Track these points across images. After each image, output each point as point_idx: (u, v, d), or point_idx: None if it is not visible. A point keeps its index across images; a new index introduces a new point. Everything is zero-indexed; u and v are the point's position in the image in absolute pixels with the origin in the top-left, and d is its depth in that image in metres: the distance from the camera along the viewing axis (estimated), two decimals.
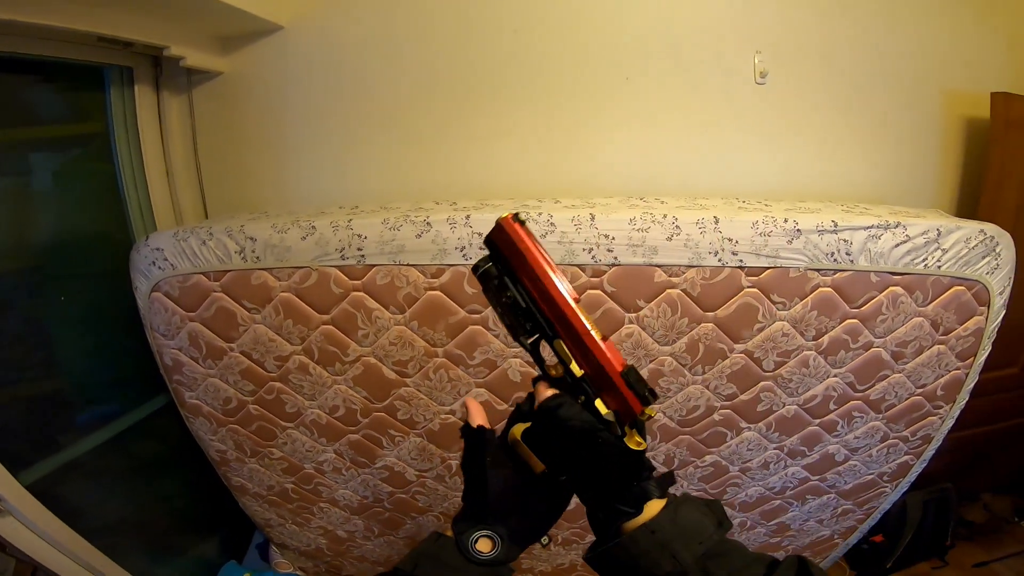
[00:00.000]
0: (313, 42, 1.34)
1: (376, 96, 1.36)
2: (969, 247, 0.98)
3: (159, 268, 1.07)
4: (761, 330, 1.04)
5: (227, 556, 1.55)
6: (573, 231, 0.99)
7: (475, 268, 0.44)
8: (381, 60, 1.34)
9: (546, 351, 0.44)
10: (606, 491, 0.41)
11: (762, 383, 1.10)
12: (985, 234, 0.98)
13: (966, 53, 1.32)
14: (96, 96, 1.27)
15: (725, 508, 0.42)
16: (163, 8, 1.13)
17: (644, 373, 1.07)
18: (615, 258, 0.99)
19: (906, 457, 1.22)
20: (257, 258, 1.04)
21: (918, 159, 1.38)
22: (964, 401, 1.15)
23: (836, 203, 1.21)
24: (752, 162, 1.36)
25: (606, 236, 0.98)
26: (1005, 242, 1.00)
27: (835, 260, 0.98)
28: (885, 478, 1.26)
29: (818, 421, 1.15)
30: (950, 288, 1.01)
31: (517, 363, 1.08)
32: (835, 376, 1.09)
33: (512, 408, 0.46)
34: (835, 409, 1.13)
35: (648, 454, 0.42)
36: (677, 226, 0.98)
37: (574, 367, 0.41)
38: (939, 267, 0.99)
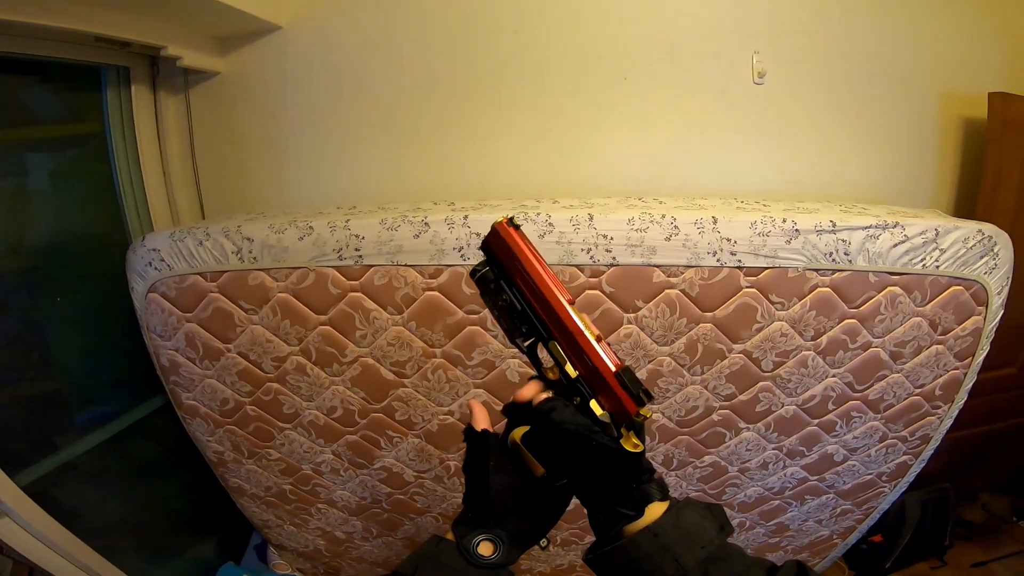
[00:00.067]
0: (311, 42, 1.34)
1: (374, 96, 1.36)
2: (967, 247, 0.98)
3: (155, 269, 1.06)
4: (760, 330, 1.04)
5: (225, 557, 1.54)
6: (571, 231, 0.99)
7: (472, 272, 0.44)
8: (379, 60, 1.34)
9: (543, 354, 0.44)
10: (604, 494, 0.41)
11: (761, 383, 1.10)
12: (983, 234, 0.98)
13: (964, 53, 1.33)
14: (93, 96, 1.27)
15: (725, 510, 0.41)
16: (160, 8, 1.12)
17: (642, 374, 1.07)
18: (613, 258, 0.99)
19: (905, 457, 1.22)
20: (254, 259, 1.04)
21: (916, 159, 1.39)
22: (962, 401, 1.15)
23: (834, 203, 1.21)
24: (750, 162, 1.36)
25: (604, 236, 0.98)
26: (1003, 242, 1.00)
27: (833, 260, 0.98)
28: (884, 478, 1.26)
29: (817, 421, 1.15)
30: (948, 288, 1.01)
31: (515, 363, 1.08)
32: (834, 376, 1.09)
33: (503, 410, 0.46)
34: (834, 409, 1.13)
35: (647, 455, 0.42)
36: (675, 226, 0.98)
37: (568, 368, 0.41)
38: (937, 267, 0.99)
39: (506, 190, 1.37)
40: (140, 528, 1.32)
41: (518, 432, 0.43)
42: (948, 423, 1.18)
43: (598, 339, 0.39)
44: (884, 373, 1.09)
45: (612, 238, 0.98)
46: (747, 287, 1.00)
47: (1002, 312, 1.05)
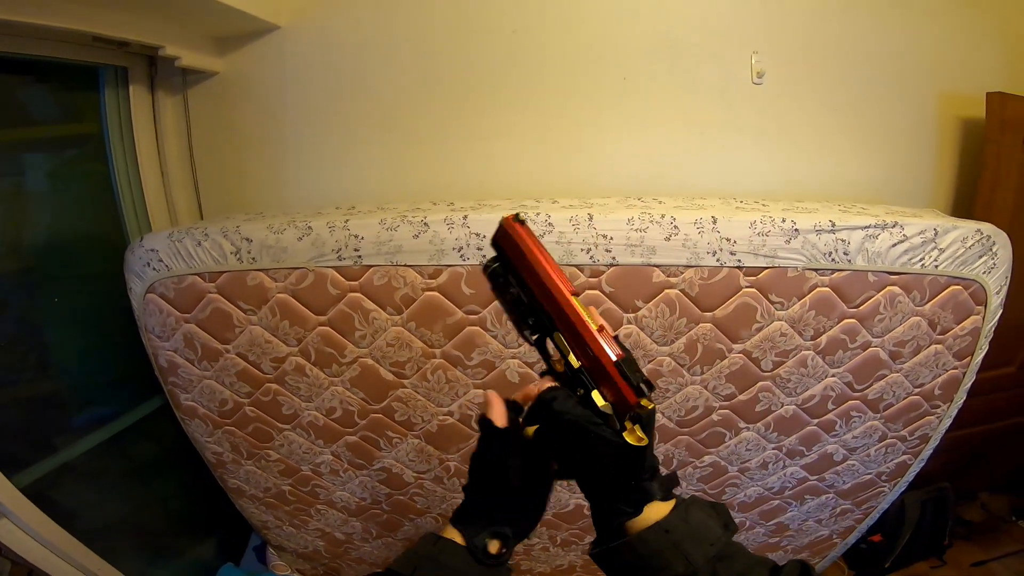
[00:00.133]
0: (310, 42, 1.34)
1: (373, 96, 1.36)
2: (966, 247, 0.98)
3: (154, 269, 1.06)
4: (759, 330, 1.04)
5: (224, 559, 1.54)
6: (571, 231, 0.99)
7: (484, 268, 0.46)
8: (378, 60, 1.33)
9: (552, 348, 0.44)
10: (604, 488, 0.41)
11: (760, 383, 1.10)
12: (982, 233, 0.98)
13: (962, 54, 1.33)
14: (91, 96, 1.26)
15: (719, 500, 0.41)
16: (159, 8, 1.12)
17: None
18: (613, 258, 0.99)
19: (904, 457, 1.23)
20: (253, 259, 1.03)
21: (914, 159, 1.39)
22: (961, 400, 1.15)
23: (833, 203, 1.21)
24: (749, 162, 1.36)
25: (604, 236, 0.98)
26: (1001, 241, 1.00)
27: (833, 260, 0.98)
28: (883, 478, 1.26)
29: (816, 421, 1.15)
30: (947, 287, 1.02)
31: (515, 364, 1.08)
32: (833, 376, 1.09)
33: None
34: (833, 409, 1.14)
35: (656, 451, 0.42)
36: (675, 226, 0.98)
37: (572, 359, 0.41)
38: (936, 267, 0.99)
39: (506, 190, 1.37)
40: (139, 529, 1.31)
41: (531, 429, 0.43)
42: (947, 422, 1.18)
43: (600, 329, 0.39)
44: (883, 373, 1.09)
45: (612, 238, 0.98)
46: (747, 287, 1.00)
47: (1001, 311, 1.05)
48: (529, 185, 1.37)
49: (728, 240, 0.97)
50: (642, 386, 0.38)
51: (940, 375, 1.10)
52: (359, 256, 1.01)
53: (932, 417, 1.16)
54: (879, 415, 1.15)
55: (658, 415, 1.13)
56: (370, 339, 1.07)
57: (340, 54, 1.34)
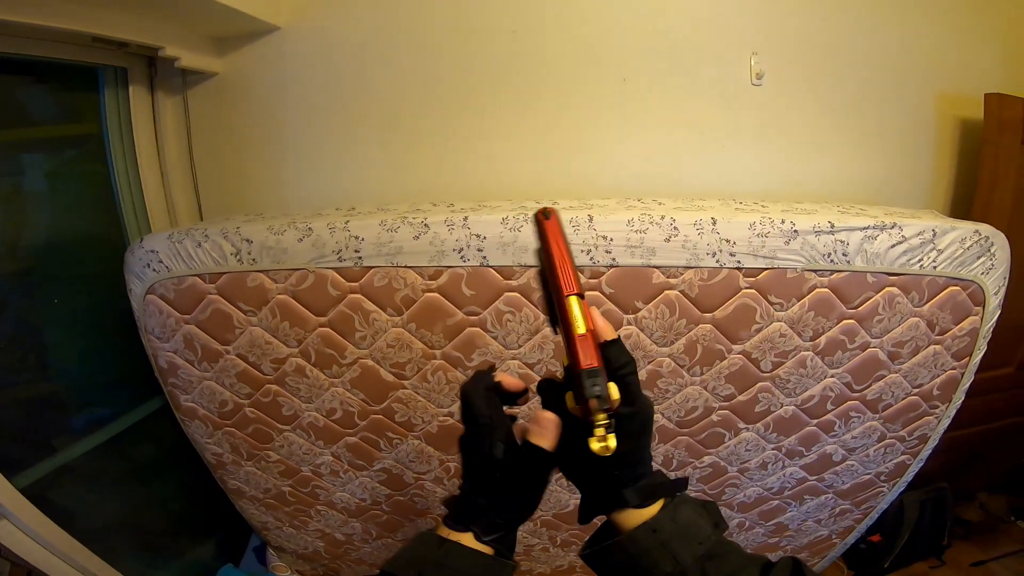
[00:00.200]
0: (310, 43, 1.34)
1: (373, 97, 1.36)
2: (964, 247, 0.99)
3: (154, 270, 1.06)
4: (759, 331, 1.04)
5: (224, 559, 1.54)
6: (571, 232, 0.99)
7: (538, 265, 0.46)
8: (378, 61, 1.34)
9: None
10: (582, 488, 0.42)
11: (760, 384, 1.10)
12: (980, 234, 0.99)
13: (960, 55, 1.33)
14: (90, 97, 1.26)
15: (722, 509, 0.41)
16: (158, 8, 1.12)
17: (642, 375, 1.07)
18: (613, 259, 0.99)
19: (903, 457, 1.23)
20: (253, 260, 1.03)
21: (913, 160, 1.39)
22: (960, 401, 1.15)
23: (832, 204, 1.21)
24: (749, 163, 1.37)
25: (604, 237, 0.98)
26: (1000, 242, 1.00)
27: (832, 261, 0.99)
28: (882, 478, 1.27)
29: (816, 421, 1.15)
30: (945, 288, 1.02)
31: (515, 364, 1.08)
32: (832, 376, 1.10)
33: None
34: (832, 409, 1.14)
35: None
36: (675, 227, 0.98)
37: (564, 358, 0.41)
38: (934, 267, 1.00)
39: (506, 191, 1.37)
40: (138, 530, 1.31)
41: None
42: (946, 423, 1.18)
43: (585, 334, 0.38)
44: (882, 373, 1.10)
45: (611, 239, 0.98)
46: (746, 288, 1.01)
47: (999, 312, 1.05)
48: (529, 186, 1.37)
49: (728, 241, 0.98)
50: (594, 399, 0.36)
51: (939, 375, 1.11)
52: (359, 257, 1.02)
53: (931, 417, 1.17)
54: (878, 415, 1.15)
55: (658, 416, 1.13)
56: (370, 340, 1.07)
57: (340, 55, 1.34)
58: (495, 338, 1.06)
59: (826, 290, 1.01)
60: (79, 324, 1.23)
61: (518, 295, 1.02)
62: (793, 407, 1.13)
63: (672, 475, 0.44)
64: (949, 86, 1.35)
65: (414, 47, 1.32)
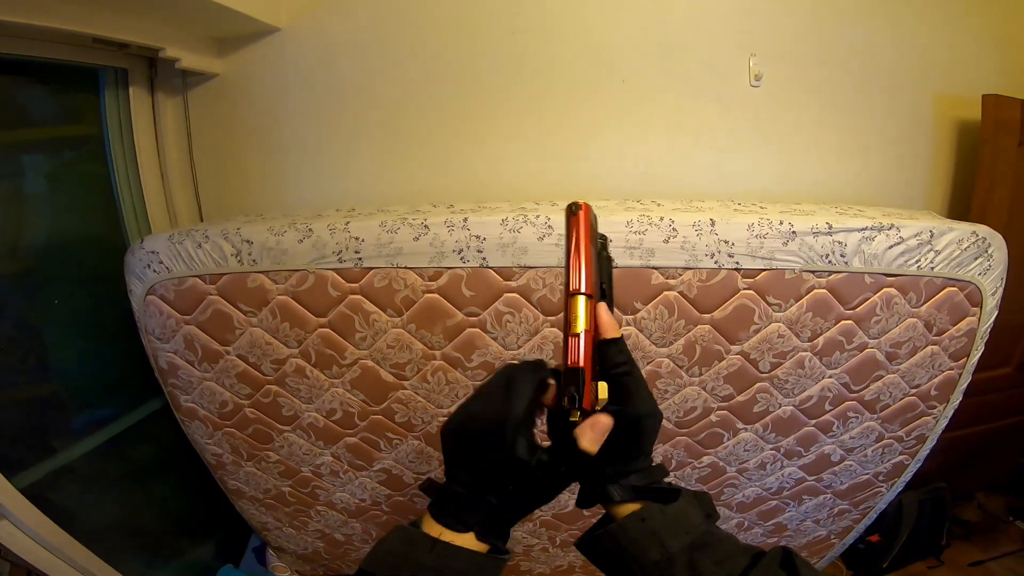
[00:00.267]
0: (310, 44, 1.34)
1: (373, 99, 1.36)
2: (961, 248, 0.99)
3: (154, 271, 1.06)
4: (757, 331, 1.04)
5: (223, 560, 1.54)
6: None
7: None
8: (378, 63, 1.34)
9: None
10: (577, 479, 0.42)
11: (758, 384, 1.10)
12: (977, 235, 0.99)
13: (957, 56, 1.34)
14: (90, 98, 1.27)
15: (721, 509, 0.41)
16: (159, 10, 1.12)
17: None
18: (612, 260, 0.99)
19: (901, 457, 1.23)
20: (253, 261, 1.04)
21: (910, 161, 1.40)
22: (958, 401, 1.16)
23: (830, 205, 1.22)
24: (747, 164, 1.37)
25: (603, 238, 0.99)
26: (997, 243, 1.01)
27: (830, 262, 0.99)
28: (880, 478, 1.27)
29: (814, 422, 1.16)
30: (943, 289, 1.02)
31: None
32: (830, 377, 1.10)
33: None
34: (830, 410, 1.14)
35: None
36: (674, 228, 0.98)
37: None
38: (932, 268, 1.00)
39: (506, 192, 1.37)
40: (138, 531, 1.31)
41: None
42: (944, 423, 1.19)
43: (583, 333, 0.39)
44: (880, 374, 1.10)
45: (611, 240, 0.98)
46: (744, 289, 1.01)
47: (996, 313, 1.06)
48: (529, 187, 1.37)
49: (726, 242, 0.98)
50: (569, 398, 0.37)
51: (936, 376, 1.11)
52: (359, 258, 1.02)
53: (929, 418, 1.17)
54: (876, 416, 1.16)
55: None
56: (370, 341, 1.08)
57: (340, 56, 1.34)
58: (495, 339, 1.06)
59: (824, 291, 1.01)
60: (79, 325, 1.23)
61: (518, 296, 1.03)
62: (791, 407, 1.14)
63: (671, 476, 0.43)
64: (946, 87, 1.36)
65: (414, 48, 1.32)
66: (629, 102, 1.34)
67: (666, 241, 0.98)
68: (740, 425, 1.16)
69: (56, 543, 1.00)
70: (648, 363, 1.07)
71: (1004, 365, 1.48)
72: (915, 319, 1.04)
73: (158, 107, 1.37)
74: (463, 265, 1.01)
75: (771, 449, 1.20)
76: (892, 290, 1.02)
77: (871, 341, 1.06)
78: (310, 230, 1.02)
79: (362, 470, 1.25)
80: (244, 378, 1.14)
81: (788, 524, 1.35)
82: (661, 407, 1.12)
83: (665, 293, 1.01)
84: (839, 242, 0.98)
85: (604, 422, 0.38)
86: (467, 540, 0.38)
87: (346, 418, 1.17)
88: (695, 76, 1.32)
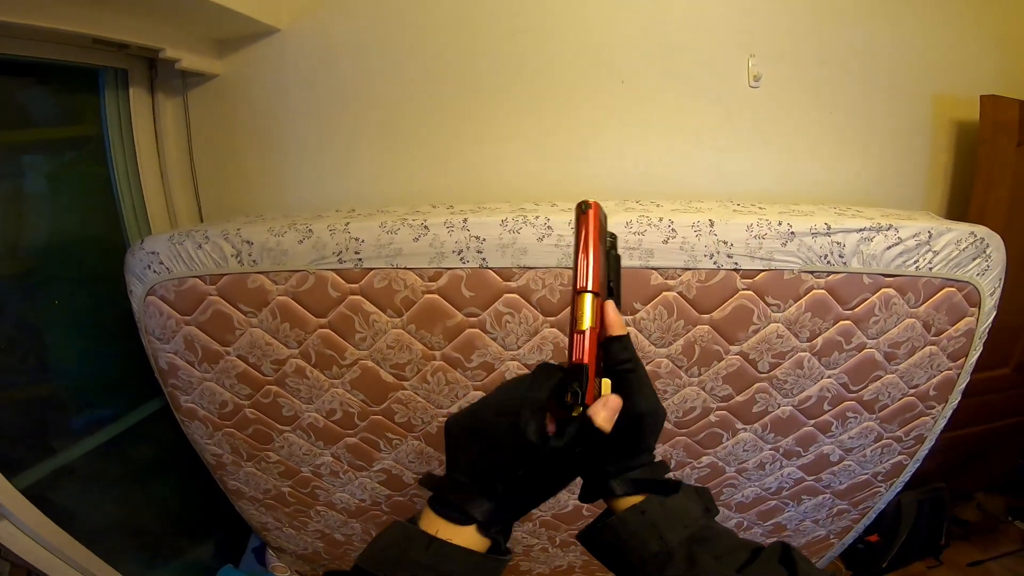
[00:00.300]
0: (310, 45, 1.35)
1: (373, 99, 1.36)
2: (960, 249, 0.99)
3: (154, 272, 1.06)
4: (756, 332, 1.04)
5: (223, 560, 1.54)
6: (570, 234, 0.99)
7: None
8: (378, 64, 1.34)
9: None
10: (580, 474, 0.42)
11: (757, 384, 1.10)
12: (975, 236, 0.99)
13: (955, 57, 1.34)
14: (90, 98, 1.27)
15: (720, 509, 0.41)
16: (159, 10, 1.12)
17: None
18: None
19: (900, 457, 1.24)
20: (254, 261, 1.04)
21: (909, 161, 1.40)
22: (956, 401, 1.16)
23: (829, 205, 1.22)
24: (746, 165, 1.38)
25: None
26: (995, 244, 1.01)
27: (828, 262, 0.99)
28: (879, 478, 1.27)
29: (813, 422, 1.16)
30: (941, 289, 1.03)
31: (515, 366, 1.08)
32: (829, 377, 1.10)
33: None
34: (829, 410, 1.14)
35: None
36: (673, 229, 0.99)
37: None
38: (930, 269, 1.00)
39: (505, 193, 1.38)
40: (138, 531, 1.31)
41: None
42: (942, 423, 1.19)
43: (588, 331, 0.38)
44: (879, 374, 1.10)
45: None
46: (743, 289, 1.01)
47: (995, 313, 1.06)
48: (529, 187, 1.37)
49: (725, 243, 0.98)
50: (569, 396, 0.37)
51: (935, 376, 1.12)
52: (359, 259, 1.02)
53: (927, 418, 1.17)
54: (875, 416, 1.16)
55: None
56: (370, 341, 1.08)
57: (340, 57, 1.34)
58: (494, 339, 1.06)
59: (823, 291, 1.02)
60: (79, 325, 1.23)
61: (517, 296, 1.03)
62: (790, 407, 1.14)
63: (672, 474, 0.43)
64: (945, 88, 1.36)
65: (413, 49, 1.33)
66: (628, 102, 1.34)
67: (665, 242, 0.99)
68: (739, 425, 1.16)
69: (56, 543, 1.01)
70: (647, 363, 1.07)
71: (1002, 366, 1.48)
72: (913, 319, 1.05)
73: (158, 108, 1.38)
74: (463, 266, 1.01)
75: (770, 449, 1.20)
76: (891, 290, 1.02)
77: (870, 341, 1.06)
78: (310, 231, 1.02)
79: (362, 470, 1.25)
80: (244, 378, 1.14)
81: (787, 524, 1.35)
82: None
83: (664, 294, 1.02)
84: (838, 243, 0.98)
85: (616, 400, 0.38)
86: (467, 536, 0.36)
87: (346, 418, 1.17)
88: (694, 76, 1.33)
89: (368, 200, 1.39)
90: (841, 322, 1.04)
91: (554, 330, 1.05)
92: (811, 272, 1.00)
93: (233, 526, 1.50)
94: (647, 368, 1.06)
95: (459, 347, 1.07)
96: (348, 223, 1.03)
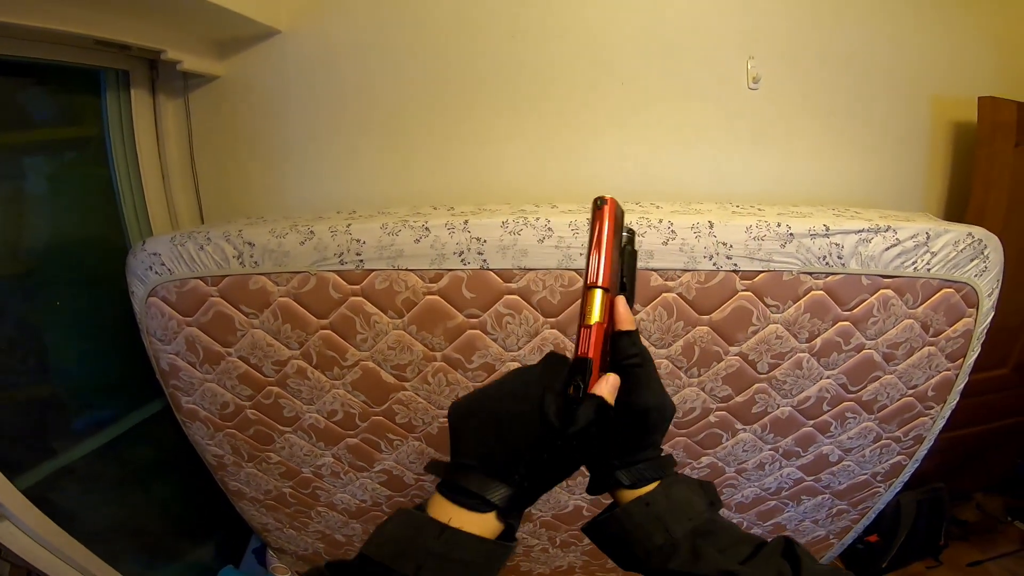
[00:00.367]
0: (311, 47, 1.35)
1: (374, 101, 1.37)
2: (957, 250, 1.00)
3: (156, 273, 1.06)
4: (755, 333, 1.05)
5: (223, 561, 1.54)
6: (570, 236, 1.00)
7: None
8: (379, 65, 1.35)
9: None
10: (587, 466, 0.42)
11: (756, 385, 1.11)
12: (973, 237, 1.00)
13: (954, 58, 1.35)
14: (92, 99, 1.27)
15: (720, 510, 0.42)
16: (160, 12, 1.13)
17: None
18: None
19: (899, 457, 1.24)
20: (255, 263, 1.04)
21: (907, 163, 1.41)
22: (954, 402, 1.17)
23: (827, 207, 1.23)
24: (745, 166, 1.38)
25: None
26: (993, 245, 1.02)
27: (827, 263, 1.00)
28: (878, 478, 1.28)
29: (812, 422, 1.17)
30: (939, 290, 1.03)
31: (515, 366, 1.09)
32: (828, 378, 1.11)
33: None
34: (828, 410, 1.15)
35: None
36: (672, 231, 0.99)
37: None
38: (928, 270, 1.01)
39: (506, 193, 1.38)
40: (139, 532, 1.32)
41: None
42: (941, 423, 1.19)
43: (595, 326, 0.39)
44: (877, 374, 1.11)
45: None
46: (743, 290, 1.02)
47: (992, 314, 1.07)
48: (529, 189, 1.38)
49: (724, 244, 0.99)
50: (572, 389, 0.37)
51: (933, 376, 1.12)
52: (361, 260, 1.02)
53: (926, 418, 1.18)
54: (873, 416, 1.17)
55: None
56: (371, 342, 1.08)
57: (341, 59, 1.35)
58: (495, 340, 1.07)
59: (821, 292, 1.02)
60: (80, 326, 1.24)
61: (518, 298, 1.03)
62: (789, 408, 1.14)
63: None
64: (943, 89, 1.37)
65: (414, 51, 1.33)
66: (628, 104, 1.34)
67: (665, 243, 0.99)
68: (739, 426, 1.16)
69: (57, 544, 1.01)
70: None
71: (1001, 366, 1.49)
72: (912, 320, 1.05)
73: (159, 109, 1.38)
74: (464, 267, 1.01)
75: (770, 449, 1.20)
76: (889, 291, 1.02)
77: (868, 342, 1.07)
78: (311, 232, 1.03)
79: (363, 471, 1.25)
80: (245, 379, 1.14)
81: (787, 524, 1.35)
82: None
83: (664, 295, 1.02)
84: (836, 244, 0.99)
85: (614, 377, 0.39)
86: (480, 523, 0.36)
87: (347, 419, 1.17)
88: (694, 78, 1.33)
89: (369, 201, 1.40)
90: (840, 323, 1.05)
91: (555, 331, 1.06)
92: (810, 273, 1.01)
93: (234, 527, 1.50)
94: None
95: (460, 348, 1.07)
96: (349, 224, 1.03)
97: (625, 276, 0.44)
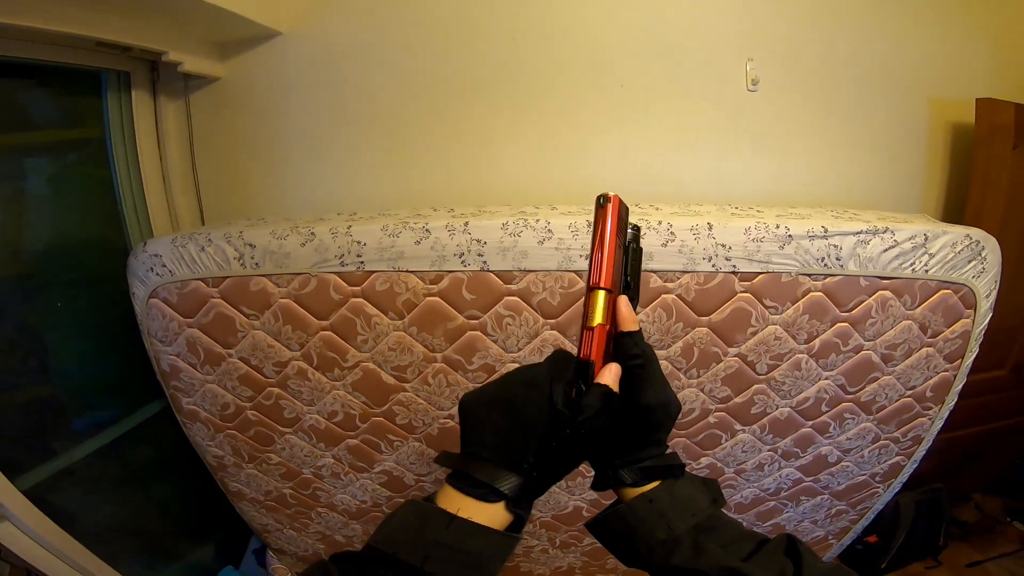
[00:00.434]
0: (311, 48, 1.35)
1: (374, 103, 1.37)
2: (955, 251, 1.00)
3: (157, 274, 1.07)
4: (754, 334, 1.05)
5: (223, 561, 1.54)
6: (570, 237, 1.00)
7: None
8: (379, 67, 1.35)
9: None
10: (591, 463, 0.42)
11: (755, 386, 1.11)
12: (971, 238, 1.00)
13: (952, 60, 1.36)
14: (93, 101, 1.27)
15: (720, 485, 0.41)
16: (161, 14, 1.13)
17: None
18: None
19: (897, 458, 1.24)
20: (256, 264, 1.04)
21: (905, 165, 1.41)
22: (953, 402, 1.17)
23: (826, 208, 1.23)
24: (744, 168, 1.39)
25: None
26: (991, 246, 1.02)
27: (825, 265, 1.00)
28: (877, 479, 1.28)
29: (811, 423, 1.17)
30: (937, 292, 1.04)
31: (515, 367, 1.09)
32: (826, 379, 1.11)
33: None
34: (827, 411, 1.15)
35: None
36: (672, 232, 0.99)
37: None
38: (926, 271, 1.01)
39: (506, 194, 1.38)
40: (139, 532, 1.32)
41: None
42: (939, 424, 1.20)
43: (597, 328, 0.39)
44: (876, 375, 1.11)
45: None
46: (742, 292, 1.02)
47: (991, 315, 1.07)
48: (529, 189, 1.38)
49: (724, 246, 0.99)
50: (576, 390, 0.38)
51: (931, 377, 1.12)
52: (361, 262, 1.03)
53: (924, 419, 1.18)
54: (872, 417, 1.17)
55: None
56: (372, 344, 1.08)
57: (341, 60, 1.35)
58: (495, 341, 1.07)
59: (820, 294, 1.02)
60: (81, 327, 1.24)
61: (518, 299, 1.04)
62: (788, 409, 1.15)
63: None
64: (941, 91, 1.37)
65: (415, 53, 1.34)
66: (628, 105, 1.35)
67: (664, 245, 0.99)
68: (738, 426, 1.17)
69: (57, 544, 1.01)
70: None
71: (999, 367, 1.49)
72: (910, 321, 1.06)
73: (160, 110, 1.38)
74: (464, 268, 1.02)
75: (768, 450, 1.21)
76: (887, 293, 1.03)
77: (867, 343, 1.07)
78: (312, 234, 1.03)
79: (363, 472, 1.25)
80: (246, 380, 1.14)
81: (786, 525, 1.35)
82: None
83: (663, 296, 1.02)
84: (835, 245, 0.99)
85: (616, 366, 0.40)
86: (490, 513, 0.36)
87: (347, 420, 1.17)
88: (693, 80, 1.34)
89: (369, 202, 1.40)
90: (838, 324, 1.05)
91: (555, 332, 1.06)
92: (808, 275, 1.01)
93: (234, 528, 1.50)
94: None
95: (460, 349, 1.08)
96: (350, 226, 1.03)
97: (629, 274, 0.43)
